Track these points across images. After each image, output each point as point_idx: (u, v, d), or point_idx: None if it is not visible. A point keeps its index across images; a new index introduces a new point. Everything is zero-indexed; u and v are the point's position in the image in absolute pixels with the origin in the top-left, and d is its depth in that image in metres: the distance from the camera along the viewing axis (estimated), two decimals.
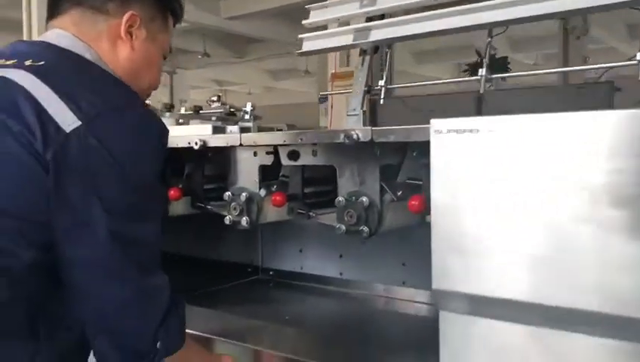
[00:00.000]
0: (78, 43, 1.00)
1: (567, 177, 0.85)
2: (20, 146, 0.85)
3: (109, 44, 1.03)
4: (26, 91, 0.88)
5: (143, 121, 0.95)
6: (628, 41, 8.50)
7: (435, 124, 0.98)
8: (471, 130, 0.93)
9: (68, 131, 0.85)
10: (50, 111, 0.86)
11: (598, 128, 0.83)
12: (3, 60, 0.96)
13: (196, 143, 1.51)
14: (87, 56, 1.00)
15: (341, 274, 1.81)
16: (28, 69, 0.92)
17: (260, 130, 1.88)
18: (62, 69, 0.96)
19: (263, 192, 1.55)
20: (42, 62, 0.94)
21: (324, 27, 2.01)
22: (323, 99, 6.45)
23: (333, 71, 5.47)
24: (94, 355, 0.98)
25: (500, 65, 3.72)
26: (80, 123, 0.86)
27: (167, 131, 1.00)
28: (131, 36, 1.04)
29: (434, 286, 1.01)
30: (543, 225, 0.88)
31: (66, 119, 0.86)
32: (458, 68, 9.77)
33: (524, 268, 0.90)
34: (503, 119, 0.90)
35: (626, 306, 0.82)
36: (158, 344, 0.95)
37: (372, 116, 3.15)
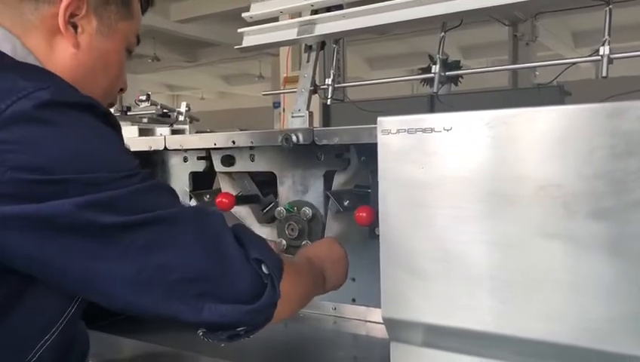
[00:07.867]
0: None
1: (538, 184, 0.71)
2: None
3: (45, 42, 0.75)
4: None
5: None
6: (573, 48, 8.80)
7: (383, 122, 0.83)
8: (424, 130, 0.79)
9: None
10: None
11: (572, 124, 0.70)
12: None
13: None
14: (7, 49, 0.72)
15: None
16: None
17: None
18: None
19: (193, 203, 1.37)
20: None
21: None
22: (277, 103, 6.29)
23: (285, 75, 5.32)
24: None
25: (452, 68, 3.69)
26: None
27: None
28: (75, 29, 0.76)
29: (384, 313, 0.85)
30: (509, 242, 0.74)
31: None
32: (412, 74, 9.82)
33: (488, 293, 0.76)
34: (463, 116, 0.75)
35: (602, 339, 0.69)
36: (263, 267, 0.72)
37: (325, 120, 3.01)
